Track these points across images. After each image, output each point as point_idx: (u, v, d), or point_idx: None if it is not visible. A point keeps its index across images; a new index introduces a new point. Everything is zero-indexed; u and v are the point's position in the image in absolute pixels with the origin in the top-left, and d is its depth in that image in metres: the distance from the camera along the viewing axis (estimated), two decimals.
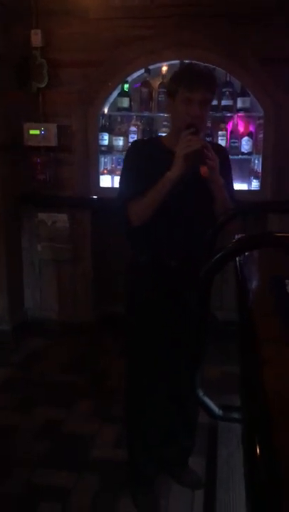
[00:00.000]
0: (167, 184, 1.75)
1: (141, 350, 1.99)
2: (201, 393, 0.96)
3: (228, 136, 3.68)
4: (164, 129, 3.61)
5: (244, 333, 0.96)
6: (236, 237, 0.91)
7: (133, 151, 1.95)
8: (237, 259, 1.49)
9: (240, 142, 3.66)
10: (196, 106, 1.77)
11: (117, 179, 3.78)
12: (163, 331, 1.96)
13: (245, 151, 3.65)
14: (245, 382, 0.78)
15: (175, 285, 1.89)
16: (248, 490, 0.59)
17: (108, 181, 3.84)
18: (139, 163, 1.87)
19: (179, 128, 1.83)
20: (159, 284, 1.92)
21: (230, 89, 3.61)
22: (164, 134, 2.69)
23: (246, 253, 1.61)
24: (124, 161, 1.96)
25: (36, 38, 3.60)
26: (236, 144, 3.66)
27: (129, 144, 2.00)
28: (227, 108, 3.63)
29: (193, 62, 2.84)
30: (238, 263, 1.47)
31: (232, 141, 3.67)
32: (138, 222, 1.82)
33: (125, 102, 3.71)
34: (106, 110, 3.79)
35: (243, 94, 3.60)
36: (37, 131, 3.72)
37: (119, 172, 3.75)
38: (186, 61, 3.16)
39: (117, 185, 3.72)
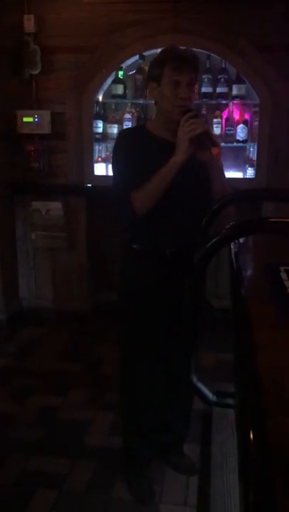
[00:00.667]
0: (174, 169, 1.73)
1: (138, 336, 1.99)
2: (195, 379, 0.96)
3: (224, 124, 3.65)
4: None
5: (238, 320, 0.96)
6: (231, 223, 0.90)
7: (123, 142, 1.91)
8: (231, 246, 1.48)
9: (236, 130, 3.63)
10: (185, 87, 1.77)
11: (110, 167, 3.77)
12: (161, 317, 1.95)
13: (241, 139, 3.62)
14: (239, 368, 0.78)
15: (174, 271, 1.86)
16: (241, 475, 0.59)
17: (102, 169, 3.81)
18: (131, 153, 1.83)
19: (167, 112, 1.81)
20: (157, 271, 1.90)
21: (226, 76, 3.57)
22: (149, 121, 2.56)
23: (241, 240, 1.61)
24: (114, 153, 1.91)
25: (29, 23, 3.55)
26: (231, 132, 3.63)
27: (117, 136, 1.96)
28: (222, 95, 3.59)
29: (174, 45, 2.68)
30: (232, 250, 1.46)
31: (227, 128, 3.64)
32: (143, 211, 1.78)
33: (119, 89, 3.67)
34: (100, 97, 3.75)
35: (239, 81, 3.56)
36: (30, 119, 3.68)
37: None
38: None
39: (111, 173, 3.74)
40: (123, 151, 1.86)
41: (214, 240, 0.90)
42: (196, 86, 2.16)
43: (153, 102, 3.36)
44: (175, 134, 1.77)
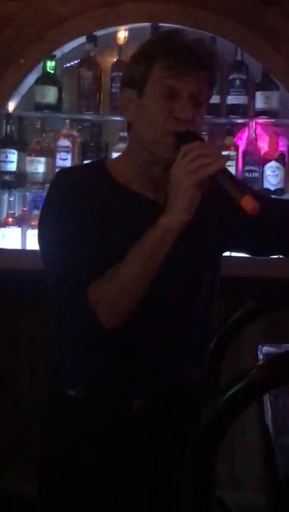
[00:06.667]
0: (167, 240, 1.06)
1: None
2: None
3: (240, 160, 2.42)
4: (120, 145, 2.28)
5: None
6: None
7: (67, 190, 1.20)
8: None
9: (263, 170, 2.43)
10: (187, 102, 1.08)
11: (31, 233, 2.45)
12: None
13: (272, 188, 2.41)
14: None
15: (144, 435, 1.22)
16: None
17: (16, 238, 2.43)
18: (83, 211, 1.17)
19: (148, 144, 1.12)
20: (116, 434, 1.23)
21: (244, 77, 2.39)
22: (114, 157, 1.85)
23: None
24: (50, 209, 1.22)
25: None
26: (255, 175, 2.42)
27: (54, 178, 1.26)
28: (236, 109, 2.42)
29: (178, 27, 1.95)
30: (265, 403, 0.94)
31: (247, 168, 2.40)
32: (113, 319, 1.11)
33: (50, 95, 2.48)
34: (11, 107, 2.45)
35: (267, 85, 2.39)
36: None
37: (34, 222, 2.40)
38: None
39: (37, 247, 2.42)
40: (68, 205, 1.18)
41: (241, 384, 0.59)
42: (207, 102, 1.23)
43: (116, 118, 2.37)
44: (159, 187, 1.14)
